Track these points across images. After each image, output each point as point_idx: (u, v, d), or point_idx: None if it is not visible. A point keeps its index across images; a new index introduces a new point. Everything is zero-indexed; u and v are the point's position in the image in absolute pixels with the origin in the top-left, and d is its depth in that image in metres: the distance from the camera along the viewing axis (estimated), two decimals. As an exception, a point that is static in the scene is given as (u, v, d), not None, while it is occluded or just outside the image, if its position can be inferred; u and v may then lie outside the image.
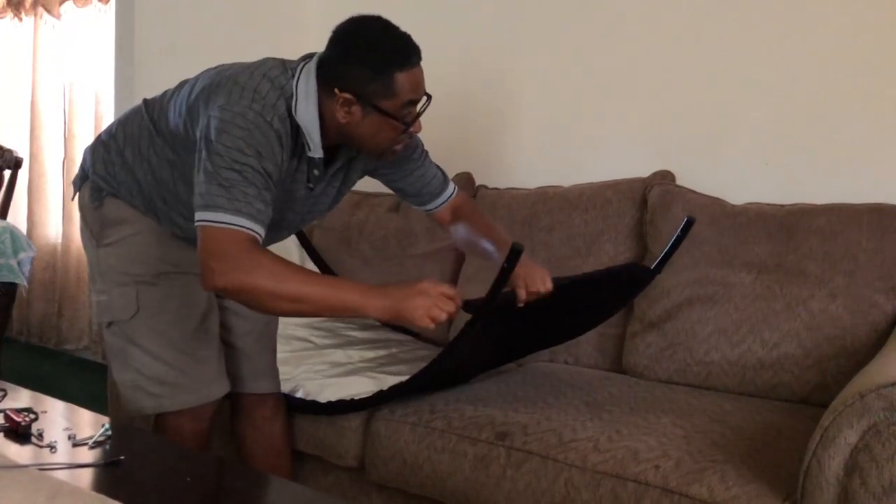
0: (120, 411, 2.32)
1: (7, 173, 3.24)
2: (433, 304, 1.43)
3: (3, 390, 1.57)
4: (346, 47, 1.50)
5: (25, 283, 2.76)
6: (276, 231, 1.63)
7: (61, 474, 1.21)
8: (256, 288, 1.42)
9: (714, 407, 1.78)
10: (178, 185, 1.64)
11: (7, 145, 3.33)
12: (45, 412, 1.47)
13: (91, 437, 1.34)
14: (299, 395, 1.95)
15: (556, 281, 1.65)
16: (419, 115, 1.54)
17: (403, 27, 1.51)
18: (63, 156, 4.16)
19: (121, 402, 1.78)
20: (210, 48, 2.74)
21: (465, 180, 2.61)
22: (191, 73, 1.70)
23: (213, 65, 1.66)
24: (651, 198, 2.24)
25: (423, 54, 1.50)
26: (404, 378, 1.85)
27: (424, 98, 1.54)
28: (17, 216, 4.14)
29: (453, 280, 2.46)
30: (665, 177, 2.32)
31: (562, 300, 1.71)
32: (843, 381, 1.54)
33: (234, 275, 1.42)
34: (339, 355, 2.18)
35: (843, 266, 1.93)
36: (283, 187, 1.56)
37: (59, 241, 4.22)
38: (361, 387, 1.92)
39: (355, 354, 2.17)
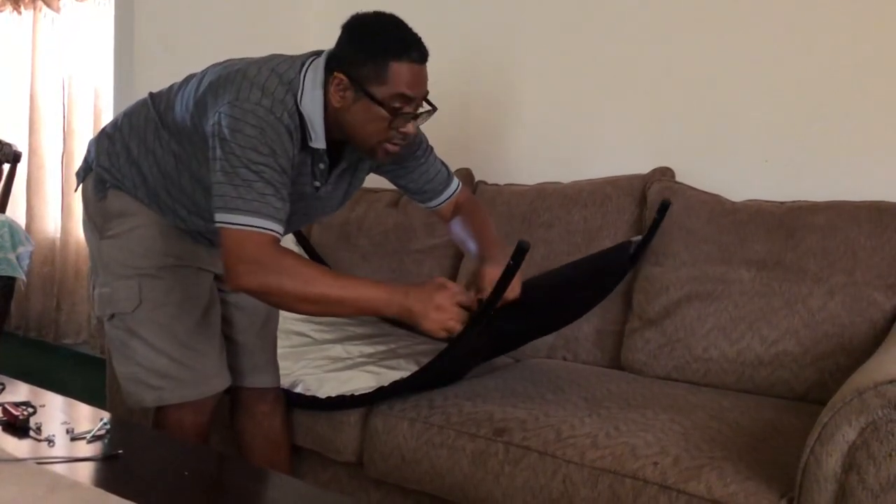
0: (119, 405, 2.33)
1: (6, 167, 3.24)
2: (449, 318, 1.50)
3: (2, 384, 1.56)
4: (352, 34, 1.52)
5: (24, 278, 2.76)
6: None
7: (59, 468, 1.21)
8: (282, 290, 1.46)
9: (712, 404, 1.78)
10: (182, 177, 1.64)
11: (6, 139, 3.33)
12: (44, 406, 1.46)
13: (89, 431, 1.34)
14: (299, 389, 1.95)
15: (532, 283, 1.64)
16: (415, 116, 1.53)
17: (404, 23, 1.52)
18: (62, 150, 4.16)
19: (121, 395, 1.78)
20: (209, 43, 2.74)
21: (465, 176, 2.61)
22: (190, 68, 1.70)
23: (213, 59, 1.66)
24: (651, 194, 2.24)
25: (424, 51, 1.50)
26: (404, 374, 1.85)
27: (425, 105, 1.54)
28: (16, 210, 4.14)
29: (452, 276, 2.46)
30: (665, 173, 2.32)
31: (549, 292, 1.71)
32: (841, 379, 1.54)
33: (259, 277, 1.45)
34: (339, 350, 2.18)
35: (842, 263, 1.93)
36: (290, 181, 1.57)
37: (58, 235, 4.22)
38: (361, 382, 1.92)
39: (354, 349, 2.17)
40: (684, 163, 2.35)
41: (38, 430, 1.35)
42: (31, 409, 1.40)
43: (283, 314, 2.01)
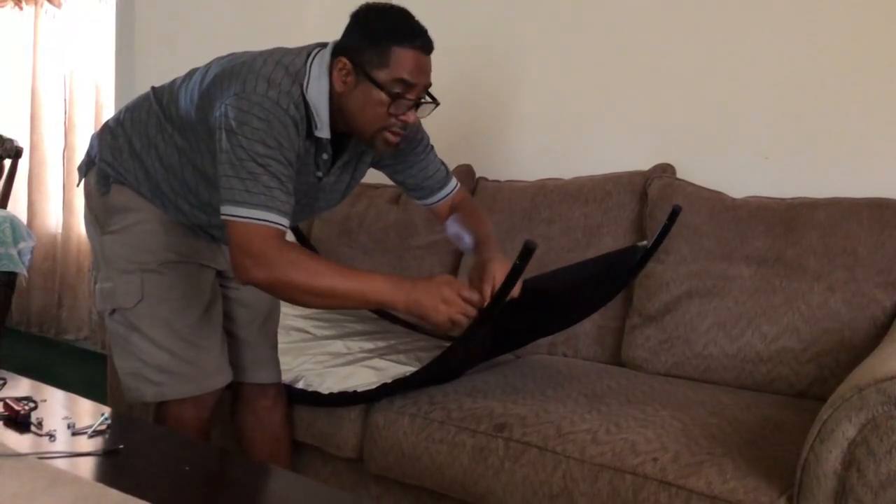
0: (120, 401, 2.33)
1: (7, 163, 3.24)
2: (456, 311, 1.50)
3: (3, 379, 1.57)
4: (358, 20, 1.53)
5: (25, 273, 2.77)
6: None
7: (60, 463, 1.22)
8: (290, 283, 1.47)
9: (712, 400, 1.78)
10: (185, 170, 1.64)
11: (7, 135, 3.33)
12: (45, 401, 1.47)
13: (90, 426, 1.34)
14: (300, 385, 1.95)
15: (536, 281, 1.64)
16: (416, 105, 1.53)
17: (405, 18, 1.52)
18: (63, 145, 4.16)
19: (122, 391, 1.78)
20: (210, 38, 2.74)
21: (466, 173, 2.61)
22: (191, 64, 1.70)
23: (213, 55, 1.66)
24: (651, 191, 2.24)
25: (425, 48, 1.50)
26: (405, 369, 1.85)
27: (427, 97, 1.55)
28: (18, 206, 4.15)
29: (453, 272, 2.46)
30: (665, 170, 2.32)
31: (553, 294, 1.71)
32: (841, 376, 1.54)
33: (266, 270, 1.46)
34: (339, 346, 2.18)
35: (842, 260, 1.93)
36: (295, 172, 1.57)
37: (60, 230, 4.22)
38: (362, 377, 1.92)
39: (354, 345, 2.18)
40: (685, 159, 2.35)
41: (40, 425, 1.35)
42: (32, 404, 1.41)
43: (282, 310, 2.01)
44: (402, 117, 1.53)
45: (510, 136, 2.77)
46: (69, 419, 1.38)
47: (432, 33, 1.53)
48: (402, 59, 1.49)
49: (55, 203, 4.27)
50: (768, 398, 1.85)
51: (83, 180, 1.80)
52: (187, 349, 1.71)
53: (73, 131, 4.11)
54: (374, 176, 1.89)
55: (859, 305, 1.88)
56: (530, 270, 1.51)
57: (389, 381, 1.83)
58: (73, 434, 1.33)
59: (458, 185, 1.87)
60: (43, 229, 4.25)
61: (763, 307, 1.96)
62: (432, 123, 1.75)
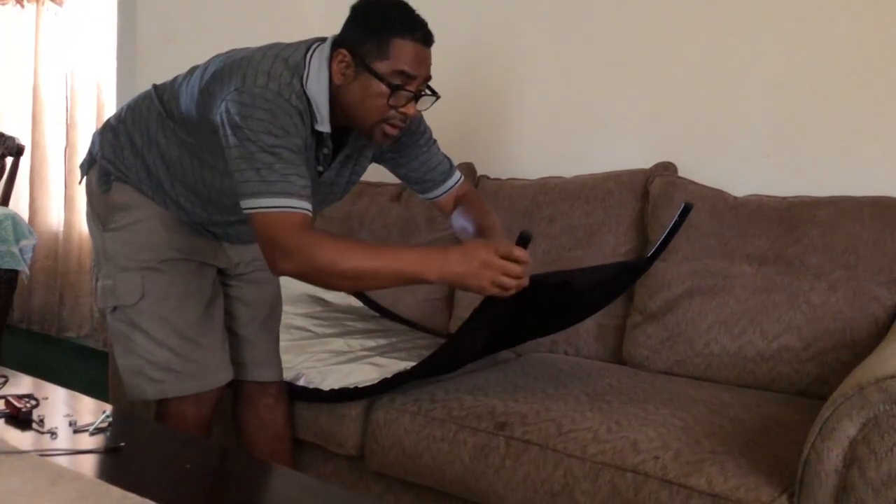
0: (121, 398, 2.33)
1: (9, 161, 3.25)
2: (499, 272, 1.45)
3: (5, 377, 1.57)
4: (358, 13, 1.53)
5: (27, 271, 2.77)
6: None
7: (62, 460, 1.22)
8: (322, 269, 1.45)
9: (713, 398, 1.79)
10: (186, 168, 1.64)
11: (9, 132, 3.33)
12: (46, 398, 1.47)
13: (92, 424, 1.34)
14: (301, 383, 1.96)
15: (542, 278, 1.63)
16: (416, 96, 1.53)
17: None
18: (65, 143, 4.16)
19: (123, 388, 1.78)
20: (211, 36, 2.73)
21: (467, 170, 2.61)
22: (192, 61, 1.70)
23: (215, 52, 1.66)
24: (653, 189, 2.24)
25: (426, 45, 1.50)
26: (407, 365, 1.85)
27: (427, 90, 1.54)
28: (19, 203, 4.15)
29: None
30: (667, 168, 2.32)
31: (557, 292, 1.71)
32: (842, 374, 1.54)
33: (294, 260, 1.45)
34: (340, 344, 2.18)
35: (843, 259, 1.93)
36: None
37: (61, 228, 4.22)
38: (363, 375, 1.92)
39: (355, 343, 2.18)
40: (686, 158, 2.35)
41: (41, 422, 1.35)
42: (33, 402, 1.40)
43: (283, 308, 2.02)
44: (402, 109, 1.52)
45: (511, 134, 2.77)
46: (71, 417, 1.38)
47: (434, 31, 1.53)
48: (402, 51, 1.48)
49: (56, 201, 4.27)
50: (769, 396, 1.85)
51: (85, 178, 1.80)
52: (188, 347, 1.71)
53: (74, 129, 4.11)
54: (375, 174, 1.89)
55: (860, 304, 1.88)
56: (532, 270, 1.51)
57: (389, 376, 1.83)
58: (75, 432, 1.33)
59: (462, 177, 1.85)
60: (44, 227, 4.25)
61: (764, 305, 1.96)
62: (433, 122, 1.75)
